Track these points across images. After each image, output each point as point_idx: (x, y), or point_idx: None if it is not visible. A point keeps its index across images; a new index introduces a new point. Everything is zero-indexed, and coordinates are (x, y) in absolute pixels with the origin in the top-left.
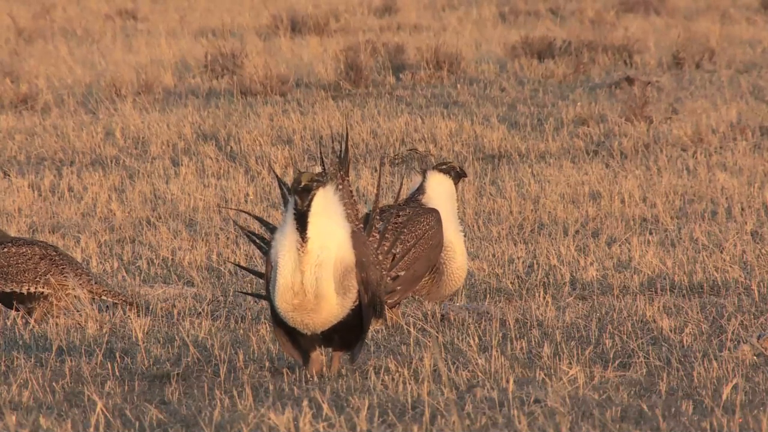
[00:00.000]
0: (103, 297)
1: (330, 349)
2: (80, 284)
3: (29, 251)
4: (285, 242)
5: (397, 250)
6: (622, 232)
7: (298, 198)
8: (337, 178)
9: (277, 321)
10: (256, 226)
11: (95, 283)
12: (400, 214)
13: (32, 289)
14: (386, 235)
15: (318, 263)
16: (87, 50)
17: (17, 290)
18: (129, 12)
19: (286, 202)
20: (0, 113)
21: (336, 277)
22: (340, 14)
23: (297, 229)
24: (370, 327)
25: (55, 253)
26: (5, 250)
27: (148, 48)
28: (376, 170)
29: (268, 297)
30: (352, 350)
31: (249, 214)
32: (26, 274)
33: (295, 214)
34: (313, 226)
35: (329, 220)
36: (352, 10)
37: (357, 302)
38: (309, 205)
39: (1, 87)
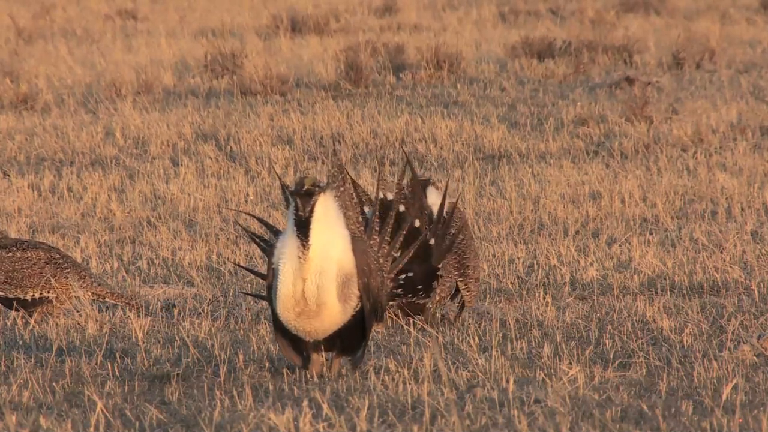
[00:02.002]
0: (107, 299)
1: (331, 354)
2: (84, 287)
3: (34, 256)
4: (286, 250)
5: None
6: (622, 232)
7: (300, 202)
8: (338, 180)
9: (279, 326)
10: (256, 226)
11: (98, 285)
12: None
13: (36, 295)
14: (386, 238)
15: (319, 271)
16: (87, 50)
17: (21, 296)
18: (129, 12)
19: (288, 205)
20: (0, 113)
21: (337, 284)
22: (340, 14)
23: (298, 236)
24: (372, 332)
25: (59, 256)
26: (10, 254)
27: (148, 48)
28: (376, 170)
29: (270, 302)
30: (354, 356)
31: (251, 215)
32: (31, 280)
33: (295, 219)
34: (314, 233)
35: (330, 226)
36: (352, 10)
37: (358, 307)
38: (311, 211)
39: (1, 87)
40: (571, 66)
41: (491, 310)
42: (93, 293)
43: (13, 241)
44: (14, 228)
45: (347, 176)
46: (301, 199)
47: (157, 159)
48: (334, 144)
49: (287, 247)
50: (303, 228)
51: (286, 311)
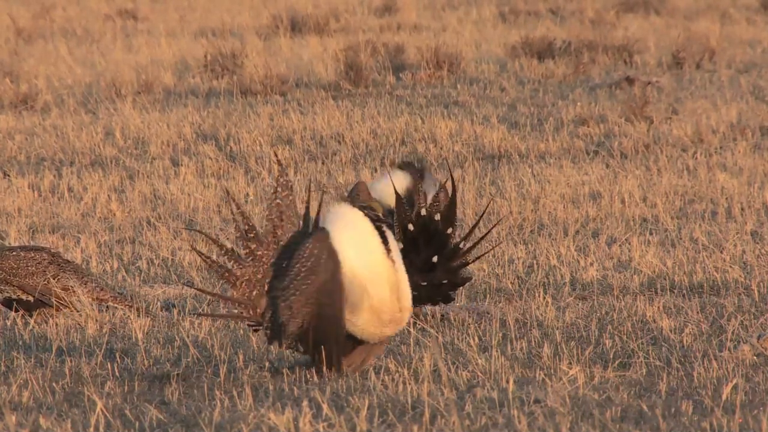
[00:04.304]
0: (110, 303)
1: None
2: (87, 293)
3: (38, 256)
4: (371, 259)
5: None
6: (622, 232)
7: (378, 212)
8: (287, 188)
9: (341, 337)
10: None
11: (101, 290)
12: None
13: (39, 297)
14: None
15: (403, 277)
16: (87, 50)
17: (24, 298)
18: (129, 12)
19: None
20: (0, 113)
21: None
22: (340, 14)
23: (389, 247)
24: None
25: (62, 260)
26: (14, 253)
27: (148, 48)
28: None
29: (331, 319)
30: None
31: (208, 236)
32: (35, 278)
33: (377, 227)
34: (390, 240)
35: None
36: (352, 10)
37: None
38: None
39: (1, 87)
40: (571, 66)
41: (491, 310)
42: (97, 298)
43: (16, 246)
44: (14, 228)
45: (291, 184)
46: (377, 210)
47: (157, 159)
48: (276, 154)
49: (373, 255)
50: (384, 235)
51: (377, 320)
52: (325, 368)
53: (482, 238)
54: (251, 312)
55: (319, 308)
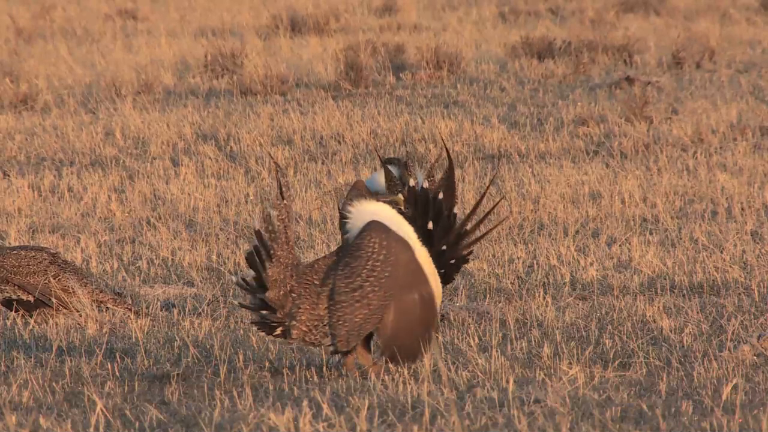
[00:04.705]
0: (109, 305)
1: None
2: (87, 294)
3: (39, 255)
4: (416, 248)
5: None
6: (622, 232)
7: (401, 206)
8: (289, 193)
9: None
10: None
11: (100, 291)
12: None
13: (39, 297)
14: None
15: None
16: (87, 50)
17: (24, 298)
18: (129, 12)
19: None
20: (0, 113)
21: None
22: (340, 14)
23: (415, 231)
24: None
25: (61, 260)
26: (15, 253)
27: (148, 48)
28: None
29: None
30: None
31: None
32: (35, 277)
33: (406, 217)
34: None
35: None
36: (352, 10)
37: None
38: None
39: (1, 87)
40: (571, 66)
41: (491, 310)
42: (96, 300)
43: (16, 246)
44: (14, 228)
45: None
46: (402, 201)
47: (157, 159)
48: (271, 156)
49: (417, 247)
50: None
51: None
52: (411, 361)
53: (488, 214)
54: (280, 313)
55: (399, 297)
